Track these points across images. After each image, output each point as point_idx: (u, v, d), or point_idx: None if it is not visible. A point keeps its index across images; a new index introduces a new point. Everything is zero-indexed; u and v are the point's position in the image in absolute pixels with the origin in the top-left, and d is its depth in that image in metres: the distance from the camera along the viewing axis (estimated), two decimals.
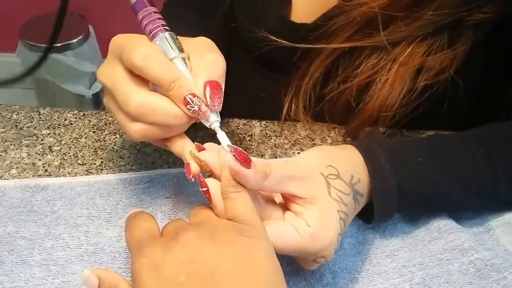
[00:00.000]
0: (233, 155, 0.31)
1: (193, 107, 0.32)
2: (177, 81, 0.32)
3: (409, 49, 0.43)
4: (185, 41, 0.35)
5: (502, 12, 0.41)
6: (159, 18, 0.35)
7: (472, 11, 0.41)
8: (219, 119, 0.34)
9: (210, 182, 0.32)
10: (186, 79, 0.33)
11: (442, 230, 0.40)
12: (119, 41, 0.34)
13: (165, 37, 0.34)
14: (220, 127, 0.34)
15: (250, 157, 0.31)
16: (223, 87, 0.34)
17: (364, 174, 0.36)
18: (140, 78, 0.33)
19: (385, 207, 0.37)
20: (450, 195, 0.39)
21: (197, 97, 0.32)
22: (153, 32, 0.35)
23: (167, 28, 0.35)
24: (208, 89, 0.33)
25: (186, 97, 0.32)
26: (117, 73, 0.34)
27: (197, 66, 0.34)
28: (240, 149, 0.31)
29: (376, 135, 0.42)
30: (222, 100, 0.33)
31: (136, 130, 0.34)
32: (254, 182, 0.31)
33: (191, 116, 0.33)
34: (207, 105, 0.33)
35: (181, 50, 0.34)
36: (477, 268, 0.38)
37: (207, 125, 0.34)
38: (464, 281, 0.37)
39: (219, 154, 0.33)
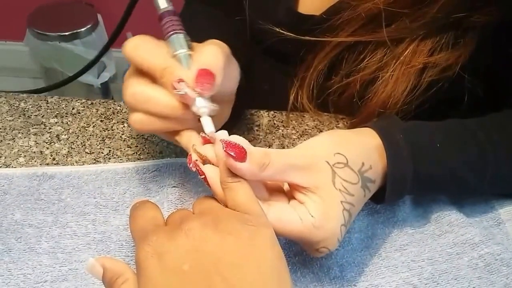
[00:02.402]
0: (224, 150, 0.30)
1: (179, 91, 0.33)
2: (168, 68, 0.33)
3: (414, 47, 0.42)
4: (197, 44, 0.37)
5: (503, 16, 0.41)
6: (178, 24, 0.37)
7: (473, 12, 0.41)
8: (207, 105, 0.34)
9: (208, 169, 0.32)
10: (177, 66, 0.34)
11: (454, 224, 0.40)
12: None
13: (176, 36, 0.36)
14: (209, 113, 0.34)
15: (248, 147, 0.31)
16: (218, 77, 0.33)
17: (377, 159, 0.36)
18: (145, 74, 0.35)
19: (398, 191, 0.37)
20: (465, 181, 0.38)
21: (184, 82, 0.33)
22: (167, 34, 0.36)
23: (182, 31, 0.36)
24: (197, 75, 0.33)
25: (173, 82, 0.33)
26: (129, 70, 0.36)
27: (194, 57, 0.35)
28: (234, 141, 0.31)
29: (393, 117, 0.41)
30: (213, 88, 0.33)
31: (134, 119, 0.35)
32: (250, 174, 0.31)
33: (186, 106, 0.33)
34: (194, 90, 0.33)
35: (189, 48, 0.35)
36: (486, 262, 0.38)
37: (194, 110, 0.34)
38: (473, 275, 0.37)
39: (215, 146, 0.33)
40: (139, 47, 0.34)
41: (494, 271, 0.37)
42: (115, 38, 0.44)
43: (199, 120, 0.34)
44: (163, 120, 0.35)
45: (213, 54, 0.34)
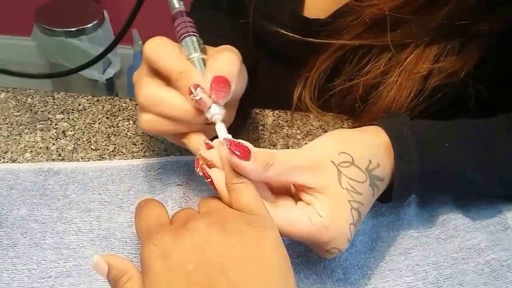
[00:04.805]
0: (229, 148, 0.31)
1: (195, 96, 0.33)
2: (185, 72, 0.34)
3: (418, 53, 0.42)
4: (211, 48, 0.37)
5: (509, 23, 0.41)
6: (191, 26, 0.37)
7: (479, 19, 0.40)
8: (221, 112, 0.34)
9: (214, 172, 0.33)
10: (194, 71, 0.34)
11: (460, 228, 0.40)
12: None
13: (190, 40, 0.36)
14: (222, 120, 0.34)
15: (252, 148, 0.31)
16: (232, 84, 0.34)
17: (385, 157, 0.35)
18: (160, 75, 0.35)
19: (405, 190, 0.36)
20: (473, 182, 0.38)
21: (200, 87, 0.33)
22: (181, 36, 0.36)
23: (196, 34, 0.37)
24: (213, 82, 0.33)
25: (190, 87, 0.33)
26: (141, 70, 0.36)
27: (210, 63, 0.35)
28: (239, 141, 0.31)
29: (400, 114, 0.41)
30: (227, 96, 0.34)
31: (144, 120, 0.35)
32: (254, 173, 0.31)
33: (199, 110, 0.34)
34: (209, 97, 0.33)
35: (203, 52, 0.36)
36: (492, 268, 0.37)
37: (208, 116, 0.34)
38: (478, 281, 0.37)
39: (219, 148, 0.33)
40: (160, 48, 0.34)
41: (500, 277, 0.37)
42: (123, 35, 0.44)
43: (207, 124, 0.34)
44: (173, 123, 0.35)
45: (229, 61, 0.34)
